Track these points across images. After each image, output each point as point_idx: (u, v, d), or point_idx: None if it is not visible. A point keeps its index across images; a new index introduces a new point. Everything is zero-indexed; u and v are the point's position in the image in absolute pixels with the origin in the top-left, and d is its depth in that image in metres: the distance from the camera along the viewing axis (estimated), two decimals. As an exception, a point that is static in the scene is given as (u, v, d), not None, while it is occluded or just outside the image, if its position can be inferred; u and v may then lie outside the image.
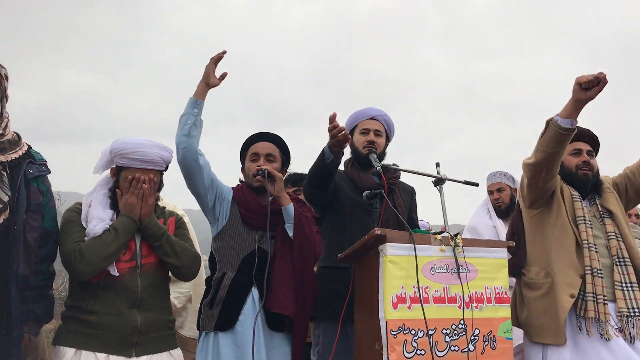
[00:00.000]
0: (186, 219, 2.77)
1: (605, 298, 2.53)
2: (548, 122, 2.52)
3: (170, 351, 2.36)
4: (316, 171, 2.68)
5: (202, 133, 2.49)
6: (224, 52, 2.52)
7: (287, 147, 2.75)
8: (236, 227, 2.56)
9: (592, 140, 2.85)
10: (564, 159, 2.80)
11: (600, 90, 2.38)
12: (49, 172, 2.31)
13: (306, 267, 2.51)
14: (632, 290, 2.56)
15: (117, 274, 2.25)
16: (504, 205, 3.97)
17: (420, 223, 4.11)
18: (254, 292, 2.45)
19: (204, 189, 2.53)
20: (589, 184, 2.78)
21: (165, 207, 2.64)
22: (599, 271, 2.57)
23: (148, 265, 2.36)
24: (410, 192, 3.15)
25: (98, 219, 2.28)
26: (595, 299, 2.53)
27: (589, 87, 2.37)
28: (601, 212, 2.74)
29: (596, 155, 2.88)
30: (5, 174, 2.06)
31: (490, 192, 4.07)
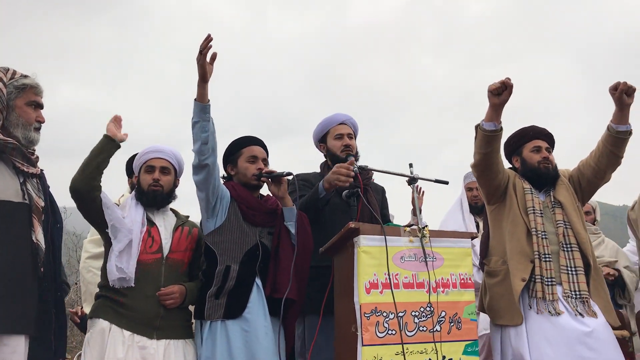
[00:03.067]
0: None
1: (553, 280, 2.79)
2: (476, 127, 2.81)
3: (187, 340, 2.61)
4: (310, 205, 2.96)
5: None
6: (210, 39, 2.39)
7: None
8: (237, 223, 2.75)
9: (549, 138, 3.12)
10: (525, 155, 3.08)
11: (510, 93, 2.65)
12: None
13: (305, 260, 2.80)
14: (576, 274, 2.81)
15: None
16: (480, 202, 4.15)
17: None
18: (257, 282, 2.70)
19: (213, 188, 2.68)
20: (549, 177, 3.03)
21: (188, 216, 2.91)
22: (546, 256, 2.83)
23: (173, 260, 2.64)
24: (381, 191, 3.43)
25: (130, 219, 2.57)
26: (542, 281, 2.79)
27: (500, 93, 2.66)
28: (553, 203, 2.98)
29: (552, 151, 3.13)
30: (38, 183, 2.26)
31: (469, 189, 4.29)
